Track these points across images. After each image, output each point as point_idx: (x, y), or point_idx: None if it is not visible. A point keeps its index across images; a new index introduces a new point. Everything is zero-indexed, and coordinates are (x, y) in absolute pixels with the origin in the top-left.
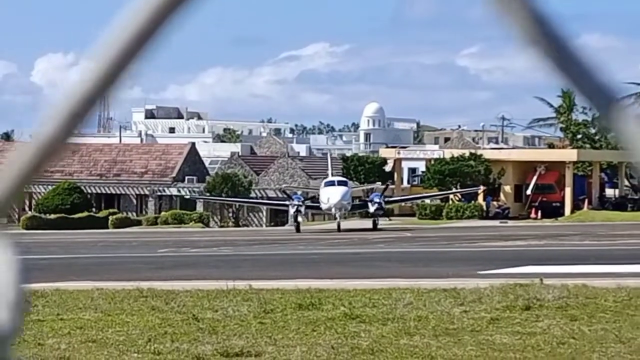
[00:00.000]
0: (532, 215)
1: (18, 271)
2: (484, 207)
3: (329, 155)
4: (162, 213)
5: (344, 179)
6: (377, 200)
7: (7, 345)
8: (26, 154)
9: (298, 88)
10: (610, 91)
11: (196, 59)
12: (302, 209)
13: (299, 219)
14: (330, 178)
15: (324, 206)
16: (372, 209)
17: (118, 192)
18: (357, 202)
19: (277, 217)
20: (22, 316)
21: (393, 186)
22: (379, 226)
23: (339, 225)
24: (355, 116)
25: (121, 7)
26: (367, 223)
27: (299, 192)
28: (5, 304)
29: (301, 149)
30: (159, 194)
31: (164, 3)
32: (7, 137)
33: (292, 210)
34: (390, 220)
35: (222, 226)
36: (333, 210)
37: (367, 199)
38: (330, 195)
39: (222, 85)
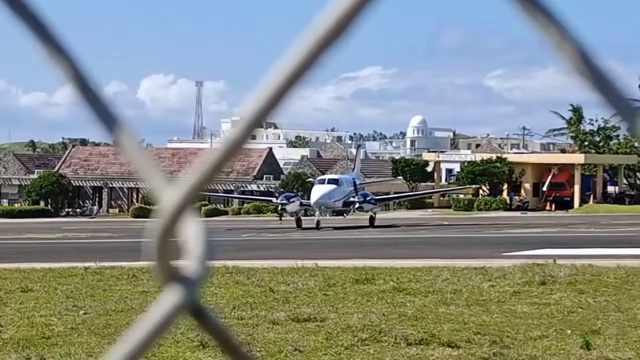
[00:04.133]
0: (547, 207)
1: (203, 232)
2: (508, 201)
3: (357, 151)
4: (245, 205)
5: (338, 177)
6: (357, 199)
7: (196, 290)
8: (215, 154)
9: (354, 103)
10: (632, 104)
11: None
12: (289, 207)
13: (285, 216)
14: (323, 176)
15: (312, 203)
16: (365, 207)
17: (209, 187)
18: (351, 199)
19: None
20: (207, 267)
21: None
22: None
23: (317, 224)
24: (402, 126)
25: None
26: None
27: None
28: (194, 256)
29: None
30: (242, 189)
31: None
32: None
33: (279, 209)
34: (431, 211)
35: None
36: (314, 207)
37: (355, 199)
38: (313, 193)
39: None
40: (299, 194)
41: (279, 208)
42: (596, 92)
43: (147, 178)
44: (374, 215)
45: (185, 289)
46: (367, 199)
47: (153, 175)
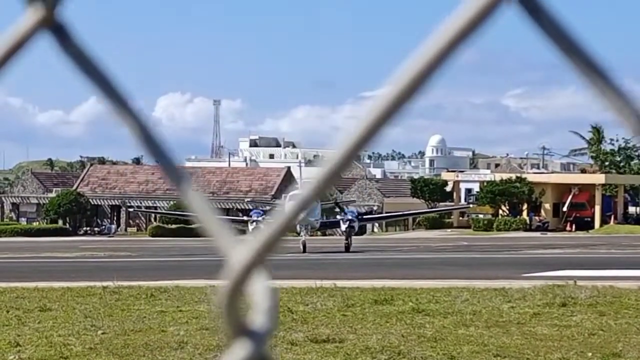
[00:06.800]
0: (568, 228)
1: (269, 287)
2: (528, 221)
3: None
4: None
5: None
6: (349, 218)
7: (264, 343)
8: (283, 214)
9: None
10: None
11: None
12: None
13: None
14: (296, 191)
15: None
16: (343, 227)
17: (227, 207)
18: (331, 218)
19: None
20: (273, 321)
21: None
22: (352, 248)
23: (304, 246)
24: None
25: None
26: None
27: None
28: (261, 311)
29: (377, 172)
30: (260, 208)
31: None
32: (138, 161)
33: (250, 227)
34: (450, 231)
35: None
36: (297, 227)
37: (341, 217)
38: None
39: (309, 119)
40: (262, 210)
41: (253, 228)
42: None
43: (215, 236)
44: (350, 239)
45: (254, 343)
46: (357, 217)
47: (221, 234)
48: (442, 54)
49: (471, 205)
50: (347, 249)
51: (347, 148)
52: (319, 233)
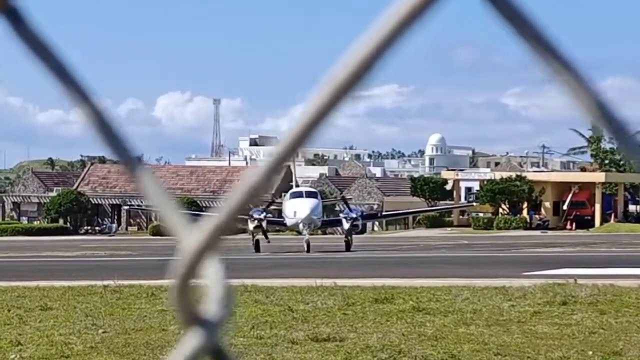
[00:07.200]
0: (568, 226)
1: (223, 272)
2: (528, 220)
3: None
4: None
5: (314, 189)
6: (353, 216)
7: (217, 333)
8: (234, 196)
9: (368, 121)
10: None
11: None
12: (264, 224)
13: (259, 236)
14: (297, 189)
15: (289, 221)
16: (346, 225)
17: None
18: (331, 217)
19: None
20: (227, 309)
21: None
22: (352, 247)
23: (308, 245)
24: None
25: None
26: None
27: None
28: (215, 299)
29: (377, 171)
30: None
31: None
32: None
33: (251, 226)
34: (450, 229)
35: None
36: (300, 226)
37: (343, 215)
38: (298, 209)
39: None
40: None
41: (254, 226)
42: (613, 138)
43: (167, 220)
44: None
45: (206, 332)
46: (361, 215)
47: (173, 217)
48: (373, 52)
49: (475, 204)
50: (348, 247)
51: (295, 133)
52: (319, 232)
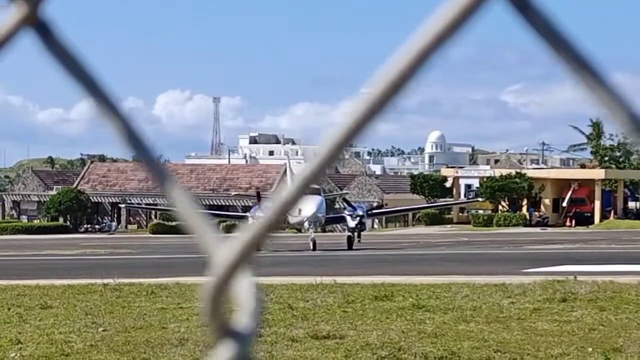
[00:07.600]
0: (567, 223)
1: (254, 288)
2: (528, 217)
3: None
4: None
5: (317, 186)
6: (360, 213)
7: (249, 345)
8: (268, 213)
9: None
10: None
11: (288, 95)
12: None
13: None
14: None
15: (293, 219)
16: (352, 223)
17: (227, 203)
18: (331, 214)
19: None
20: (258, 322)
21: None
22: (355, 244)
23: (314, 243)
24: (420, 141)
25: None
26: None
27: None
28: (247, 312)
29: (377, 169)
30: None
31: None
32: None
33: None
34: (450, 227)
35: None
36: (306, 224)
37: (348, 212)
38: (303, 207)
39: (309, 116)
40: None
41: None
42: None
43: (199, 235)
44: (354, 235)
45: (238, 344)
46: (367, 211)
47: (206, 233)
48: (427, 51)
49: (480, 200)
50: (350, 245)
51: (333, 144)
52: (319, 229)
